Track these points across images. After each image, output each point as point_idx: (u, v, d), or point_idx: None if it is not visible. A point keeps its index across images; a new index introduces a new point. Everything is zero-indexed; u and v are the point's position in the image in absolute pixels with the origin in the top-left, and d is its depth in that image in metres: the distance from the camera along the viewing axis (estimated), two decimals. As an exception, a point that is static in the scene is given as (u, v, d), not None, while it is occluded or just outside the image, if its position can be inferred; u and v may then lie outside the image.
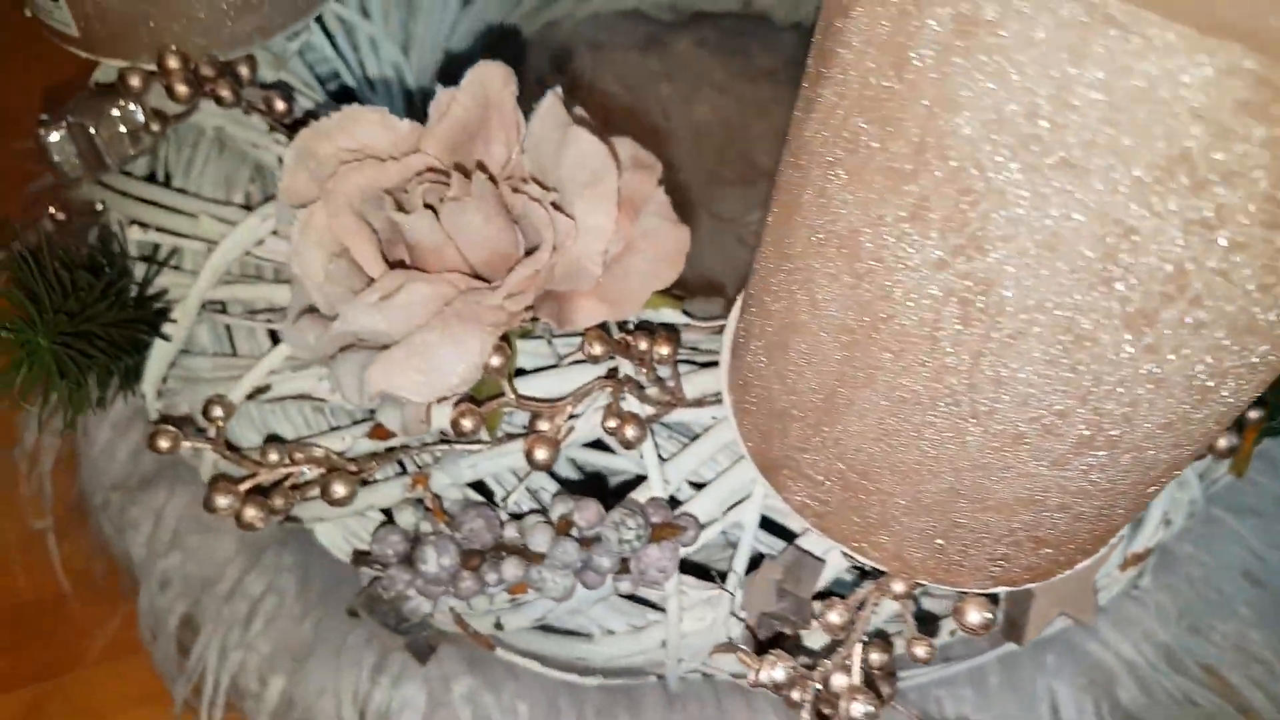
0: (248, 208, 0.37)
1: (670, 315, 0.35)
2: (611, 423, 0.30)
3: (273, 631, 0.40)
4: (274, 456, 0.32)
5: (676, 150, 0.56)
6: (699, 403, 0.33)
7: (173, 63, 0.34)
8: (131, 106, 0.37)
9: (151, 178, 0.41)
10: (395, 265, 0.30)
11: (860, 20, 0.18)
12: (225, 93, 0.33)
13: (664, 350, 0.32)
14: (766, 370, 0.26)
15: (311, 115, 0.37)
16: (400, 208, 0.29)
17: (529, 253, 0.30)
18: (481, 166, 0.30)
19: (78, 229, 0.46)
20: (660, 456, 0.33)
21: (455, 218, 0.29)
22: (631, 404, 0.32)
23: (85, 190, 0.41)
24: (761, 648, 0.30)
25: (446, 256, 0.30)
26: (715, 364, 0.35)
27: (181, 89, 0.34)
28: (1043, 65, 0.16)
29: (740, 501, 0.32)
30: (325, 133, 0.30)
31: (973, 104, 0.17)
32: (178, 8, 0.35)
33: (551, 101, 0.31)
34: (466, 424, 0.30)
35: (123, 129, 0.38)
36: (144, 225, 0.36)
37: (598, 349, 0.30)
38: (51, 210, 0.44)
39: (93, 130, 0.38)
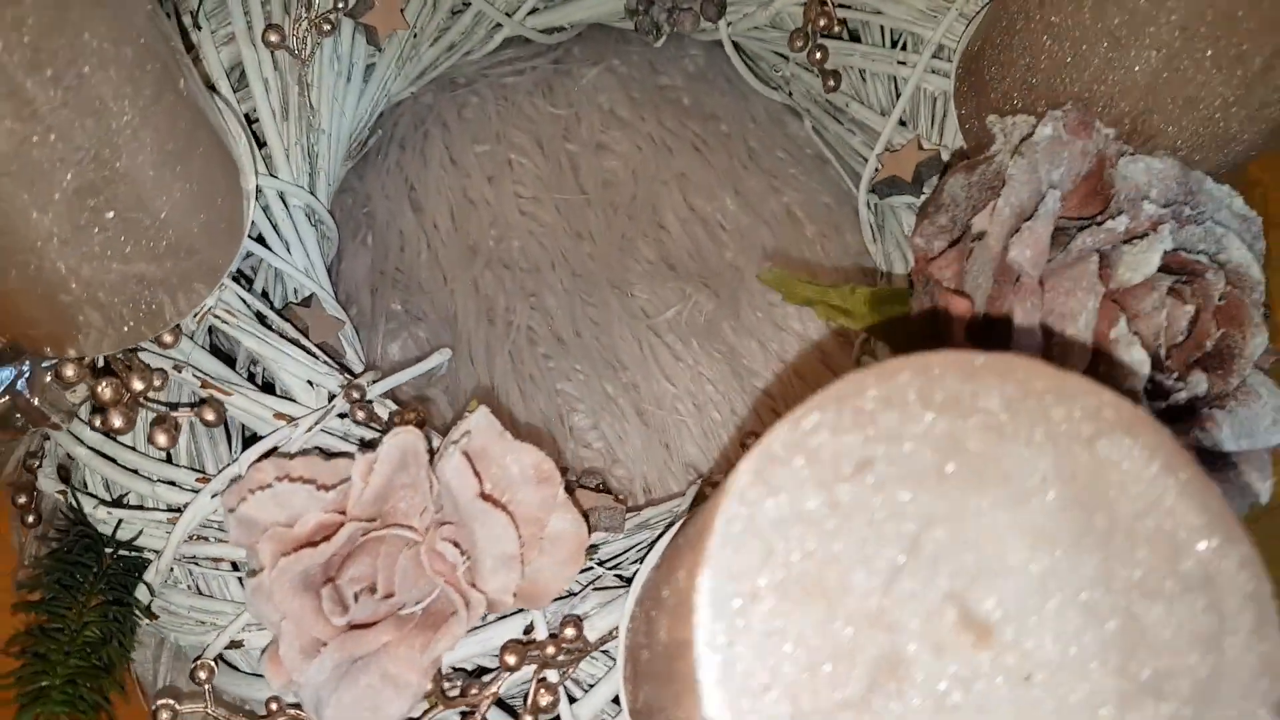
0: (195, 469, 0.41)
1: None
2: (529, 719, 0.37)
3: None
4: (257, 732, 0.39)
5: (590, 215, 0.58)
6: (603, 642, 0.40)
7: (107, 393, 0.37)
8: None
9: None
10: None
11: None
12: (162, 438, 0.37)
13: (571, 633, 0.38)
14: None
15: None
16: (336, 589, 0.34)
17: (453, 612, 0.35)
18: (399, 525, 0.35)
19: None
20: (569, 695, 0.40)
21: (389, 601, 0.34)
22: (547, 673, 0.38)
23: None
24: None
25: (382, 610, 0.35)
26: (613, 586, 0.42)
27: (119, 423, 0.37)
28: None
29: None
30: (262, 504, 0.35)
31: None
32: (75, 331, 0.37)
33: (459, 463, 0.35)
34: (412, 742, 0.36)
35: (58, 386, 0.41)
36: (108, 505, 0.40)
37: (512, 660, 0.37)
38: None
39: (35, 400, 0.41)
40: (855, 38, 0.54)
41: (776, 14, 0.54)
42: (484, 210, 0.58)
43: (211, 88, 0.47)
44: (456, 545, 0.35)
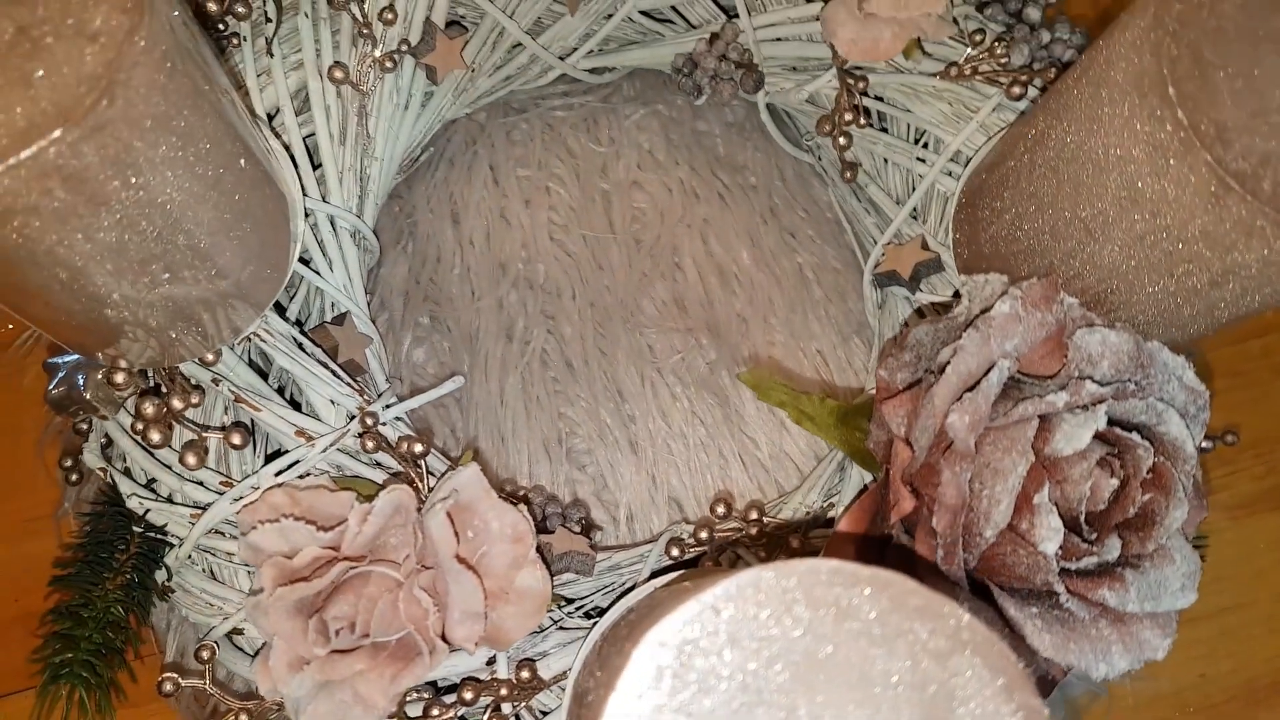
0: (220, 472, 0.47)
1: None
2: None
3: None
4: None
5: (614, 249, 0.61)
6: (558, 679, 0.45)
7: (149, 411, 0.42)
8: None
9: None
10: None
11: None
12: (192, 459, 0.42)
13: (526, 675, 0.43)
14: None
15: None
16: (322, 622, 0.40)
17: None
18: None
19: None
20: (524, 720, 0.45)
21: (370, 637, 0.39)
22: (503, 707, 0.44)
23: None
24: None
25: (359, 642, 0.40)
26: (576, 627, 0.47)
27: (156, 438, 0.42)
28: None
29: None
30: (268, 535, 0.40)
31: None
32: (123, 343, 0.42)
33: (443, 521, 0.40)
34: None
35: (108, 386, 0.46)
36: (141, 498, 0.46)
37: (469, 696, 0.42)
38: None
39: (88, 395, 0.46)
40: (884, 126, 0.57)
41: (811, 94, 0.57)
42: (518, 232, 0.62)
43: (274, 114, 0.51)
44: (431, 593, 0.40)
